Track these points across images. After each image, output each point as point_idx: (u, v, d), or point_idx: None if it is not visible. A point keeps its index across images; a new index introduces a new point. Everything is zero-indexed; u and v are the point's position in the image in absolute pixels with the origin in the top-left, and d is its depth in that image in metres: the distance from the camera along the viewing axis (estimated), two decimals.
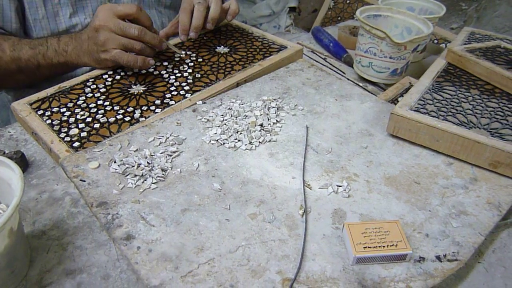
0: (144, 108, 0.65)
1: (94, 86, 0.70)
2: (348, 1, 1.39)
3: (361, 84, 0.81)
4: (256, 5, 1.52)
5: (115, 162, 0.52)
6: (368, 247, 0.41)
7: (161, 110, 0.64)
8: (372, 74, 0.80)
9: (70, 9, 0.81)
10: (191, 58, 0.78)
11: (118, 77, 0.72)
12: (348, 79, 0.82)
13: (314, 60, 0.91)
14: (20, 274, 0.45)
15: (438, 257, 0.43)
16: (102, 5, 0.70)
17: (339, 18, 1.41)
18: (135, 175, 0.51)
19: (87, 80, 0.71)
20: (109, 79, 0.71)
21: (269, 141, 0.58)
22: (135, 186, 0.50)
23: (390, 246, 0.41)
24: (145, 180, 0.50)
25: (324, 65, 0.89)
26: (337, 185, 0.51)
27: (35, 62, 0.75)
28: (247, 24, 0.97)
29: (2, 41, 0.75)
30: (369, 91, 0.74)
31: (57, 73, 0.78)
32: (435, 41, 1.13)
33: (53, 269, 0.47)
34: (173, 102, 0.66)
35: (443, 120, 0.56)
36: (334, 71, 0.87)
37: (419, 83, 0.65)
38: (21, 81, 0.80)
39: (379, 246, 0.41)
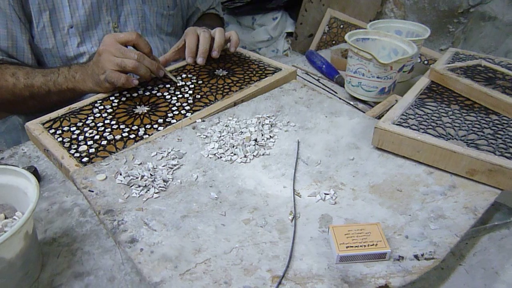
0: (148, 126, 0.70)
1: (102, 107, 0.75)
2: (341, 26, 1.46)
3: (351, 103, 0.87)
4: (255, 31, 1.60)
5: (120, 174, 0.57)
6: (351, 246, 0.45)
7: (163, 128, 0.70)
8: (362, 93, 0.86)
9: (78, 39, 0.88)
10: (192, 81, 0.84)
11: (124, 98, 0.78)
12: (339, 98, 0.87)
13: (308, 81, 0.97)
14: (33, 276, 0.49)
15: (416, 256, 0.46)
16: (109, 34, 0.77)
17: (334, 42, 1.48)
18: (139, 186, 0.55)
19: (96, 102, 0.77)
20: (116, 101, 0.77)
21: (263, 154, 0.63)
22: (139, 196, 0.54)
23: (371, 245, 0.45)
24: (148, 190, 0.55)
25: (317, 86, 0.94)
26: (325, 193, 0.55)
27: (46, 89, 0.81)
28: (246, 49, 1.03)
29: (17, 70, 0.82)
30: (358, 108, 0.79)
31: (65, 100, 0.83)
32: (425, 62, 1.18)
33: (63, 272, 0.51)
34: (174, 121, 0.71)
35: (423, 132, 0.61)
36: (327, 90, 0.92)
37: (402, 100, 0.70)
38: (33, 107, 0.85)
39: (361, 246, 0.45)
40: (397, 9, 1.34)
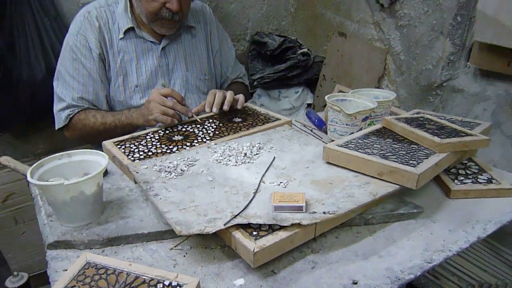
0: (180, 147, 1.06)
1: (152, 135, 1.13)
2: None
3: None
4: (280, 101, 1.99)
5: (156, 166, 0.92)
6: (281, 201, 0.74)
7: (189, 148, 1.05)
8: (336, 136, 1.16)
9: (140, 94, 1.30)
10: (215, 123, 1.20)
11: (167, 131, 1.15)
12: (323, 141, 1.18)
13: (303, 131, 1.29)
14: (98, 213, 0.82)
15: (324, 212, 0.74)
16: (154, 88, 1.17)
17: None
18: (166, 171, 0.89)
19: (149, 132, 1.15)
20: (162, 132, 1.15)
21: (248, 162, 0.95)
22: (165, 177, 0.88)
23: (294, 201, 0.74)
24: (171, 174, 0.88)
25: (309, 133, 1.26)
26: (280, 182, 0.85)
27: (114, 125, 1.23)
28: None
29: (96, 113, 1.24)
30: (325, 142, 1.10)
31: (125, 132, 1.17)
32: None
33: (114, 215, 0.84)
34: (197, 145, 1.07)
35: (355, 151, 0.90)
36: (315, 136, 1.24)
37: (353, 135, 1.00)
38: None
39: (287, 201, 0.74)
40: (390, 85, 1.67)
